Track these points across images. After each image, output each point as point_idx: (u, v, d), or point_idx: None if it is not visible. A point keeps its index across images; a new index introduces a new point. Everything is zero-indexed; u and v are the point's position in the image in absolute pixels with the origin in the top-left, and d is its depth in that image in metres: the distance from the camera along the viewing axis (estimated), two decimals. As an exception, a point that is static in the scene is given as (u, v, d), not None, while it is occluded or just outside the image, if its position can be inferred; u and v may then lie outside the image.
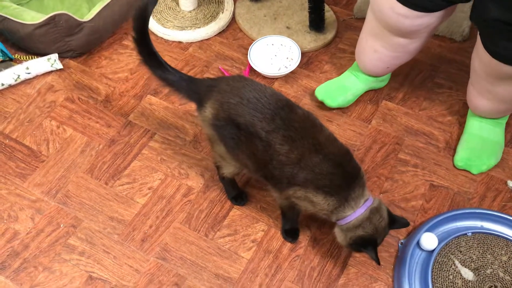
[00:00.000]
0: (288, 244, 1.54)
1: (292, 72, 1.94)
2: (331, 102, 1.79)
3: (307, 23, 2.07)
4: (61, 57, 1.92)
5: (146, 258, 1.50)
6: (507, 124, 1.79)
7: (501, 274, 1.45)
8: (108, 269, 1.48)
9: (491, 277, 1.44)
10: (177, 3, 2.13)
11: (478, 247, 1.49)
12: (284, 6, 2.17)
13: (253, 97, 1.28)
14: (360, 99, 1.87)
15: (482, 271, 1.45)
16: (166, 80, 1.42)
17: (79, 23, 1.85)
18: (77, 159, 1.69)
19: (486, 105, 1.64)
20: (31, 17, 1.81)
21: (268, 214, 1.59)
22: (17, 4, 1.96)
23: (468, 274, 1.45)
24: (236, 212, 1.60)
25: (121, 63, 1.96)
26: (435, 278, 1.44)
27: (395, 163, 1.72)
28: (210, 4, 2.14)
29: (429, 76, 1.97)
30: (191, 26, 2.06)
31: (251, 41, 2.04)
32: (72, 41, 1.87)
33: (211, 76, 1.83)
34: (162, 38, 2.05)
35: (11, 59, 1.90)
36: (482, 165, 1.69)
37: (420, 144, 1.77)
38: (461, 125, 1.81)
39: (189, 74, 1.70)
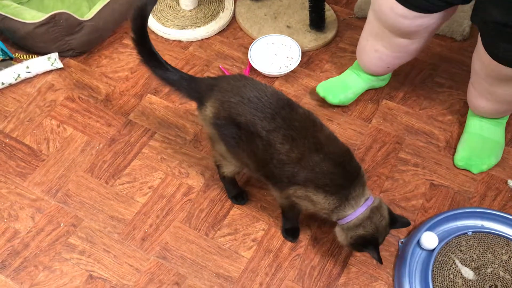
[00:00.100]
0: (289, 243, 1.54)
1: (292, 71, 1.94)
2: (332, 98, 1.79)
3: (308, 22, 2.07)
4: (61, 56, 1.92)
5: (146, 257, 1.50)
6: (507, 123, 1.79)
7: (502, 273, 1.45)
8: (109, 268, 1.48)
9: (491, 276, 1.44)
10: (178, 2, 2.12)
11: (478, 246, 1.49)
12: (285, 5, 2.16)
13: (254, 96, 1.28)
14: (361, 98, 1.87)
15: (483, 270, 1.45)
16: (166, 80, 1.42)
17: (79, 22, 1.84)
18: (77, 158, 1.69)
19: (486, 105, 1.64)
20: (32, 16, 1.81)
21: (269, 213, 1.59)
22: (18, 3, 1.96)
23: (468, 273, 1.45)
24: (237, 211, 1.60)
25: (122, 62, 1.95)
26: (436, 277, 1.44)
27: (395, 162, 1.72)
28: (210, 3, 2.14)
29: (430, 75, 1.97)
30: (191, 25, 2.06)
31: (251, 40, 2.04)
32: (72, 40, 1.87)
33: (212, 75, 1.82)
34: (162, 37, 2.05)
35: (11, 58, 1.90)
36: (482, 165, 1.69)
37: (420, 143, 1.77)
38: (462, 124, 1.81)
39: (189, 73, 1.69)
